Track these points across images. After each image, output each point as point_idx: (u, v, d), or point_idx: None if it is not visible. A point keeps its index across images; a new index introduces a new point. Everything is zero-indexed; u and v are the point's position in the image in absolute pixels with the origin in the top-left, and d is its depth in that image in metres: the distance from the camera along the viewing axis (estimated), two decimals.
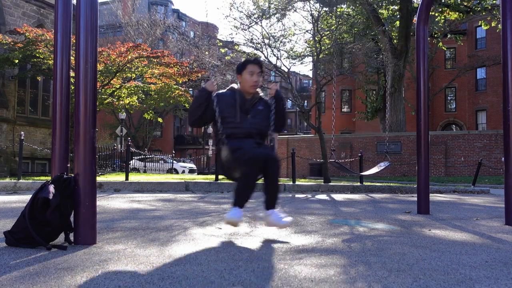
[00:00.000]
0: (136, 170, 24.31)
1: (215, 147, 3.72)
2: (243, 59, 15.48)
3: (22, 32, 13.52)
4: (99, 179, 9.43)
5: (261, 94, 3.72)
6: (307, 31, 15.72)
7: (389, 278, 2.16)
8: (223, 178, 12.02)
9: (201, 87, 3.68)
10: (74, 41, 3.00)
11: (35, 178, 10.92)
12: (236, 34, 19.97)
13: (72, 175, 2.93)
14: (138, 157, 25.24)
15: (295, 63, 24.27)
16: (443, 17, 21.49)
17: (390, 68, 20.43)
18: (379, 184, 12.41)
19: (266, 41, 14.08)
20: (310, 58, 15.95)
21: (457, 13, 20.31)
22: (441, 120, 36.40)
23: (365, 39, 19.82)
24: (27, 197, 5.04)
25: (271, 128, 3.60)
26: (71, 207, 2.88)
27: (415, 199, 5.71)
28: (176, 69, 15.45)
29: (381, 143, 21.69)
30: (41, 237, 2.70)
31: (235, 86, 3.70)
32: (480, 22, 23.51)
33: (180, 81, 16.34)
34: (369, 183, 12.41)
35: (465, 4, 20.18)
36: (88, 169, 2.91)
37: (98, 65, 4.42)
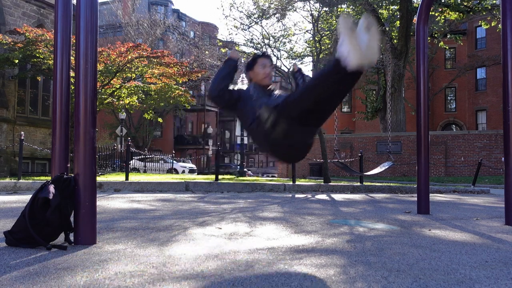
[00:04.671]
0: (136, 170, 24.30)
1: (248, 129, 3.25)
2: (243, 60, 15.47)
3: (22, 32, 13.52)
4: (99, 179, 9.42)
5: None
6: (307, 31, 15.73)
7: (389, 278, 2.16)
8: (222, 178, 12.01)
9: (225, 60, 3.47)
10: (74, 41, 3.00)
11: (35, 178, 10.92)
12: (236, 34, 19.95)
13: (72, 175, 2.93)
14: (138, 157, 25.21)
15: (295, 63, 24.30)
16: (443, 17, 21.48)
17: (390, 68, 20.41)
18: (379, 184, 12.41)
19: (266, 41, 14.09)
20: (310, 58, 15.96)
21: (457, 13, 20.30)
22: (441, 120, 36.40)
23: None
24: (27, 197, 5.04)
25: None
26: (71, 207, 2.88)
27: (415, 199, 5.71)
28: (176, 69, 15.44)
29: (381, 143, 21.67)
30: (41, 237, 2.70)
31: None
32: (480, 22, 23.51)
33: (180, 81, 16.34)
34: (369, 183, 12.40)
35: (465, 4, 20.18)
36: (88, 169, 2.91)
37: (98, 65, 4.42)
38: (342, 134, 30.56)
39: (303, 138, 3.04)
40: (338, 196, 8.39)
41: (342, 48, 2.48)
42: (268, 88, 3.36)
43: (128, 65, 14.27)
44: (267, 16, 14.37)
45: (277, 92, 3.38)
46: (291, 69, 3.74)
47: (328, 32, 15.23)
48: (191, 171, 29.49)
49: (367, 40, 2.44)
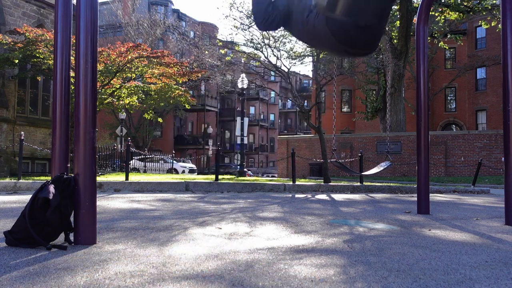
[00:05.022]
0: (136, 170, 24.30)
1: (303, 24, 2.72)
2: (243, 60, 15.38)
3: (22, 32, 13.52)
4: (99, 179, 9.42)
5: None
6: None
7: (389, 278, 2.16)
8: (222, 178, 12.01)
9: None
10: (74, 41, 2.99)
11: (35, 178, 10.92)
12: (236, 34, 19.93)
13: (72, 175, 2.93)
14: (138, 157, 25.22)
15: (295, 63, 24.21)
16: (443, 17, 21.49)
17: (390, 68, 20.43)
18: (379, 184, 12.41)
19: (266, 41, 14.08)
20: (310, 58, 15.95)
21: (457, 13, 20.32)
22: (441, 120, 36.41)
23: None
24: (27, 197, 5.05)
25: None
26: (71, 207, 2.88)
27: (415, 199, 5.71)
28: (176, 69, 15.44)
29: (381, 143, 21.68)
30: (41, 237, 2.70)
31: None
32: (480, 22, 23.54)
33: (180, 81, 16.34)
34: (369, 183, 12.40)
35: (465, 4, 20.19)
36: (88, 169, 2.91)
37: (98, 65, 4.42)
38: (342, 134, 30.56)
39: (374, 13, 2.50)
40: (338, 196, 8.39)
41: None
42: None
43: (128, 65, 14.27)
44: None
45: None
46: None
47: None
48: (191, 171, 29.50)
49: None
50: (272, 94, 55.18)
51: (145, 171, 24.60)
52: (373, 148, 22.39)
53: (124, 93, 15.58)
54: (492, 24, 20.65)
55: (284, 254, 2.68)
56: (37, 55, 13.35)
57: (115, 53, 13.94)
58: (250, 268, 2.32)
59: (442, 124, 36.31)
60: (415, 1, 21.98)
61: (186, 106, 18.06)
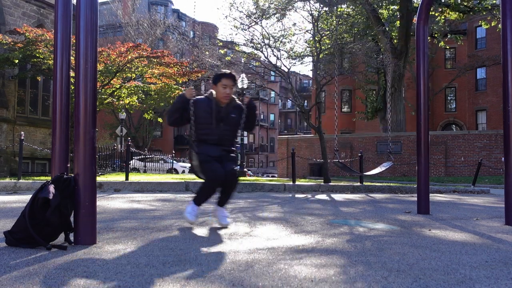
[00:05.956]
0: (136, 170, 24.28)
1: (189, 149, 4.06)
2: (243, 60, 15.33)
3: (22, 32, 13.51)
4: (99, 179, 9.42)
5: (236, 101, 4.05)
6: (307, 31, 15.72)
7: (389, 278, 2.16)
8: None
9: (180, 93, 4.07)
10: (74, 41, 2.99)
11: (35, 178, 10.92)
12: (236, 34, 19.90)
13: (72, 175, 2.93)
14: (138, 157, 25.20)
15: (295, 63, 24.21)
16: (443, 17, 21.49)
17: (390, 68, 20.42)
18: (379, 184, 12.40)
19: (266, 41, 14.07)
20: (310, 58, 15.95)
21: (457, 13, 20.32)
22: (441, 120, 36.40)
23: (365, 39, 19.82)
24: (27, 197, 5.04)
25: (241, 128, 4.04)
26: (71, 207, 2.88)
27: (415, 199, 5.71)
28: (176, 69, 15.43)
29: (381, 143, 21.68)
30: (41, 237, 2.70)
31: (213, 92, 3.96)
32: (480, 22, 23.54)
33: (180, 81, 16.32)
34: (369, 183, 12.40)
35: (465, 4, 20.19)
36: (88, 169, 2.91)
37: (98, 65, 4.41)
38: (342, 134, 30.54)
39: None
40: (338, 196, 8.39)
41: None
42: (228, 104, 3.90)
43: (128, 65, 14.26)
44: (267, 16, 14.37)
45: (232, 115, 3.92)
46: (243, 101, 4.05)
47: (328, 32, 15.23)
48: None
49: None
50: (272, 94, 55.17)
51: (145, 171, 24.59)
52: (373, 148, 22.39)
53: (124, 93, 15.57)
54: (492, 24, 20.65)
55: (284, 254, 2.68)
56: (37, 55, 13.34)
57: (115, 53, 13.93)
58: (250, 268, 2.32)
59: (442, 124, 36.31)
60: (415, 1, 21.98)
61: None
